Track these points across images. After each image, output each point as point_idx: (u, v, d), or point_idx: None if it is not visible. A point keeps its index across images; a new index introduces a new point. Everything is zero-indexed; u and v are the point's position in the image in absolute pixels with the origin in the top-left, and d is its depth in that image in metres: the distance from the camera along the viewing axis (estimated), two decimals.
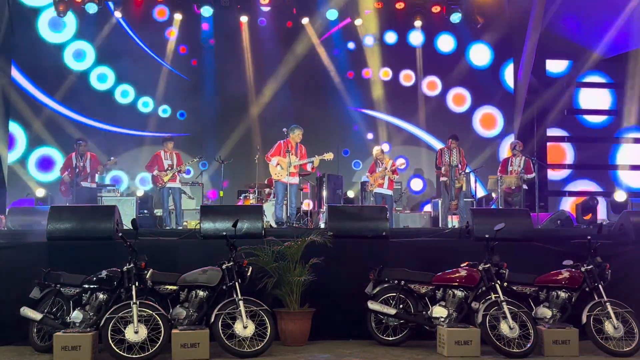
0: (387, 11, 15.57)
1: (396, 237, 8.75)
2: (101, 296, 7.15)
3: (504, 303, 7.19)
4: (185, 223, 11.74)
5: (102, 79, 15.10)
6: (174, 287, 7.40)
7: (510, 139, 15.60)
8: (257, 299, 7.25)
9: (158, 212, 12.79)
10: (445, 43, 16.19)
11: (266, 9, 15.24)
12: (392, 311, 7.65)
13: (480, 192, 13.50)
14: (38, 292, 7.44)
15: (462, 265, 7.75)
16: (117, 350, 6.64)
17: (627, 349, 7.21)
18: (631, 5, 14.34)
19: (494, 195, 12.58)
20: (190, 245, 8.38)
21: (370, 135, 15.77)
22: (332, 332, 8.05)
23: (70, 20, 15.05)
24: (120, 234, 7.62)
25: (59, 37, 15.08)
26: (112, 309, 6.85)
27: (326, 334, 7.99)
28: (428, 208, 14.42)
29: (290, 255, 7.74)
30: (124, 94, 15.16)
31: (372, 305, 7.69)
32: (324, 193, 12.71)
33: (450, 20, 15.55)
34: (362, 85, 15.90)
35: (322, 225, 10.24)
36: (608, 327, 7.30)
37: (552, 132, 16.06)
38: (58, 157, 14.62)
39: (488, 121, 16.25)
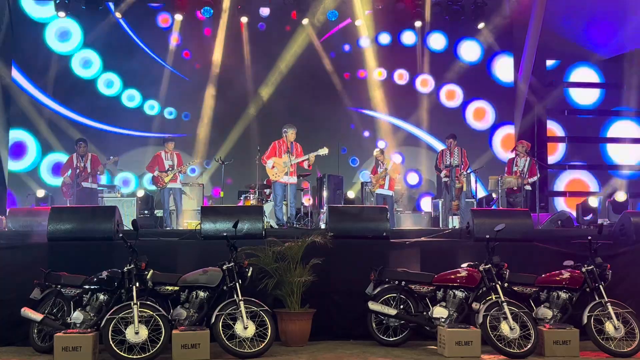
0: (387, 12, 15.57)
1: (397, 238, 8.75)
2: (102, 297, 7.16)
3: (504, 303, 7.19)
4: (185, 224, 11.75)
5: (90, 69, 15.16)
6: (175, 288, 7.40)
7: (503, 130, 15.61)
8: (257, 300, 7.24)
9: (159, 212, 12.79)
10: (443, 42, 16.22)
11: (266, 10, 15.28)
12: (393, 312, 7.65)
13: (481, 193, 13.50)
14: (39, 292, 7.43)
15: (462, 265, 7.75)
16: (118, 351, 6.63)
17: (628, 349, 7.21)
18: (631, 6, 14.36)
19: (494, 195, 12.57)
20: (190, 246, 8.38)
21: (367, 134, 15.78)
22: (333, 333, 8.05)
23: (76, 30, 15.13)
24: (120, 235, 7.63)
25: (66, 46, 15.17)
26: (112, 310, 6.84)
27: (327, 335, 7.99)
28: (428, 208, 14.43)
29: (290, 255, 7.74)
30: (130, 98, 15.29)
31: (373, 305, 7.69)
32: (324, 193, 12.71)
33: (447, 19, 15.59)
34: (363, 85, 15.89)
35: (323, 226, 10.23)
36: (609, 327, 7.30)
37: (550, 129, 16.09)
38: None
39: (479, 114, 16.20)
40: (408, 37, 16.10)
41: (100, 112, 14.99)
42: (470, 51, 16.16)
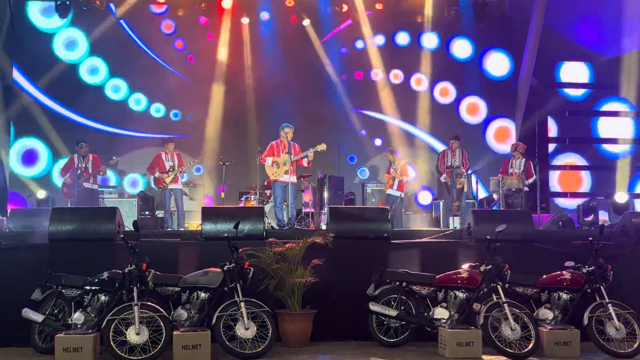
0: (388, 13, 15.57)
1: (397, 239, 8.75)
2: (103, 298, 7.16)
3: (505, 304, 7.19)
4: (186, 225, 11.75)
5: (94, 71, 15.27)
6: (176, 289, 7.41)
7: (495, 124, 15.77)
8: (258, 301, 7.24)
9: (159, 213, 12.80)
10: (429, 41, 16.19)
11: (266, 12, 15.30)
12: (394, 312, 7.64)
13: (482, 194, 13.49)
14: (39, 293, 7.44)
15: (463, 266, 7.75)
16: (119, 352, 6.64)
17: (629, 350, 7.20)
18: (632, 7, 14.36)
19: (495, 196, 12.57)
20: (191, 247, 8.38)
21: (373, 138, 15.82)
22: (334, 334, 8.04)
23: (81, 38, 15.24)
24: (121, 236, 7.65)
25: (73, 54, 15.26)
26: (113, 311, 6.85)
27: (327, 336, 7.99)
28: (426, 201, 14.48)
29: (291, 256, 7.74)
30: (136, 101, 15.40)
31: (374, 306, 7.69)
32: (325, 194, 12.71)
33: (454, 21, 15.62)
34: (364, 86, 15.91)
35: (324, 227, 10.24)
36: (610, 328, 7.29)
37: (553, 134, 16.09)
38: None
39: (473, 109, 16.20)
40: (407, 38, 16.10)
41: (108, 116, 15.10)
42: (461, 48, 16.21)
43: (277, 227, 10.66)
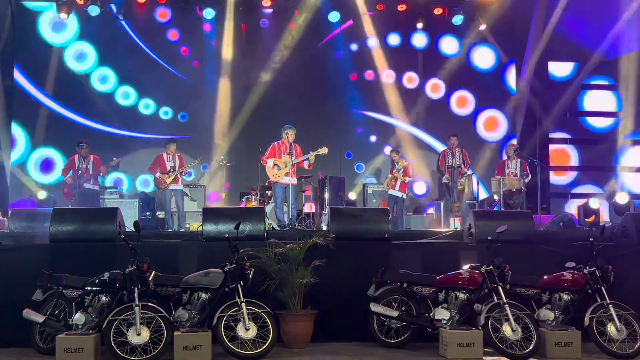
0: (388, 13, 15.57)
1: (398, 239, 8.74)
2: (103, 298, 7.16)
3: (506, 305, 7.18)
4: (187, 225, 11.75)
5: (104, 80, 15.45)
6: (176, 289, 7.41)
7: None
8: (259, 301, 7.23)
9: (160, 214, 12.81)
10: (448, 45, 16.25)
11: (268, 10, 15.31)
12: (395, 313, 7.64)
13: (483, 194, 13.49)
14: (40, 294, 7.42)
15: (464, 267, 7.74)
16: (120, 353, 6.64)
17: (630, 351, 7.19)
18: (633, 7, 14.35)
19: (496, 197, 12.57)
20: (192, 248, 8.37)
21: (373, 138, 15.85)
22: (335, 334, 8.03)
23: (73, 22, 15.32)
24: (122, 236, 7.63)
25: (60, 37, 15.37)
26: (114, 311, 6.85)
27: (328, 336, 7.97)
28: (430, 210, 14.42)
29: (292, 257, 7.73)
30: (145, 105, 15.56)
31: (375, 307, 7.69)
32: (326, 195, 12.71)
33: (452, 22, 15.60)
34: (365, 87, 15.93)
35: (324, 228, 10.23)
36: (611, 329, 7.28)
37: (554, 134, 16.04)
38: (59, 159, 14.80)
39: (491, 124, 16.33)
40: (417, 40, 16.19)
41: (118, 120, 15.26)
42: (482, 58, 16.35)
43: (277, 228, 10.67)
